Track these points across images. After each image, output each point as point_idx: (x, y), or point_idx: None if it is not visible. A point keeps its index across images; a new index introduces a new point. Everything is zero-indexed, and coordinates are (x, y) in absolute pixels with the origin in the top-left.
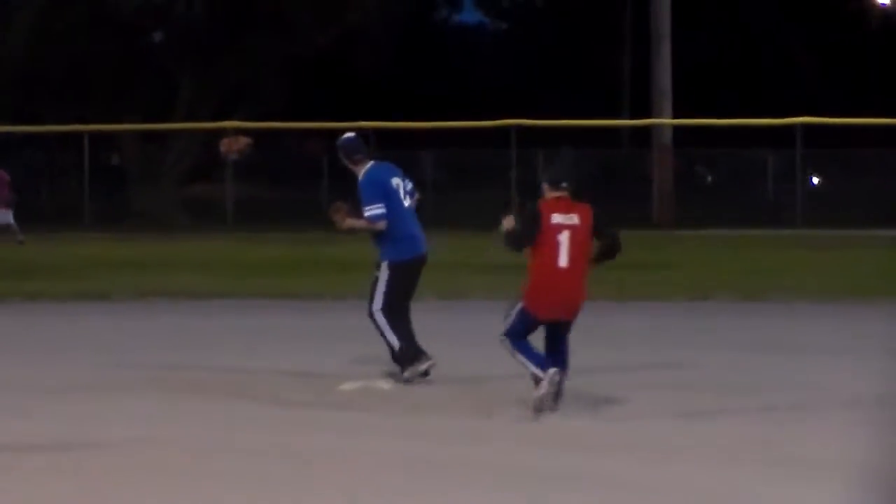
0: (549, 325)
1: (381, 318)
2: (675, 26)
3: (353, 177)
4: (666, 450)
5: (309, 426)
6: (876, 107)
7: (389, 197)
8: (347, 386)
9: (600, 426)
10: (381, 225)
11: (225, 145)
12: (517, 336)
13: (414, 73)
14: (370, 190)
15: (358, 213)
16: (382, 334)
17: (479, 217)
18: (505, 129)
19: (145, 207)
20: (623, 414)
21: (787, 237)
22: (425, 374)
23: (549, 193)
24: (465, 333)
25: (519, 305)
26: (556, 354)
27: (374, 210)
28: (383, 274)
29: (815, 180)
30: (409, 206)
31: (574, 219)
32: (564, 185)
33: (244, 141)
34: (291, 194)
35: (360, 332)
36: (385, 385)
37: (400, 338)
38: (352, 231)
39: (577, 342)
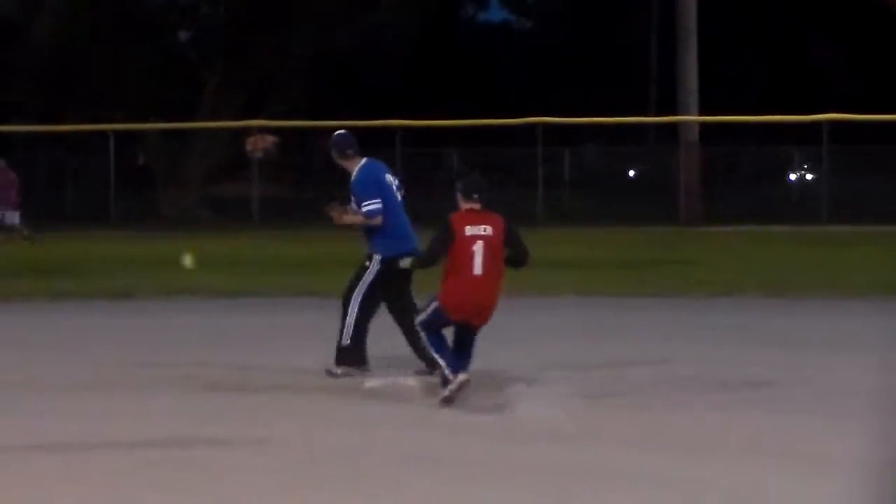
0: (460, 325)
1: (353, 307)
2: (701, 22)
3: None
4: (685, 444)
5: (332, 420)
6: None
7: (384, 192)
8: (372, 383)
9: (619, 421)
10: (378, 220)
11: (251, 143)
12: (431, 330)
13: (440, 72)
14: (366, 185)
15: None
16: (343, 320)
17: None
18: (531, 127)
19: (171, 206)
20: (642, 408)
21: (813, 233)
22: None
23: (463, 204)
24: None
25: (435, 303)
26: (462, 352)
27: (371, 205)
28: (374, 266)
29: (809, 176)
30: (401, 199)
31: (487, 230)
32: (476, 196)
33: (270, 139)
34: (317, 192)
35: (384, 331)
36: (412, 382)
37: (354, 337)
38: (349, 226)
39: (600, 337)
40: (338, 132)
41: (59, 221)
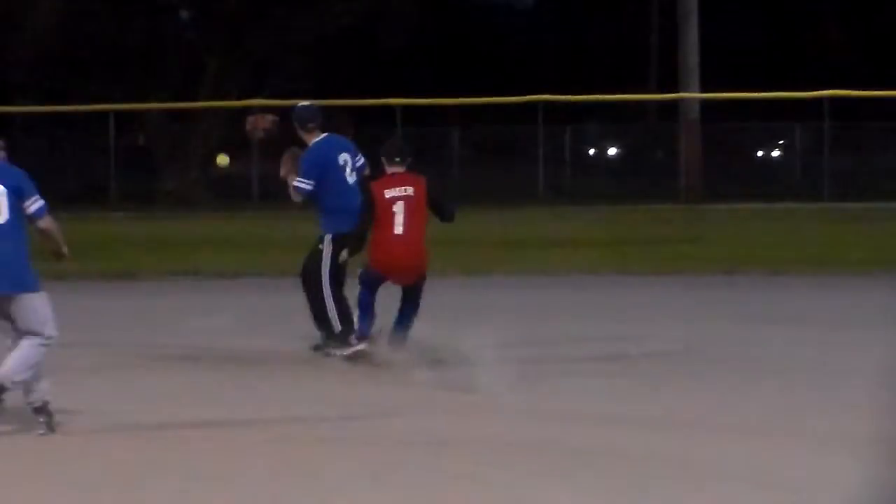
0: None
1: (326, 291)
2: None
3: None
4: (691, 422)
5: (336, 401)
6: None
7: (330, 173)
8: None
9: (622, 400)
10: (299, 199)
11: (251, 123)
12: (366, 286)
13: (440, 49)
14: (309, 164)
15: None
16: (322, 308)
17: (506, 193)
18: (532, 105)
19: (172, 186)
20: (645, 388)
21: (815, 210)
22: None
23: (388, 168)
24: (491, 309)
25: (367, 261)
26: (405, 310)
27: (303, 184)
28: (326, 247)
29: (776, 153)
30: (354, 182)
31: (408, 190)
32: (398, 159)
33: (270, 118)
34: None
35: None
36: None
37: (341, 319)
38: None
39: (605, 317)
40: (301, 104)
41: (59, 202)
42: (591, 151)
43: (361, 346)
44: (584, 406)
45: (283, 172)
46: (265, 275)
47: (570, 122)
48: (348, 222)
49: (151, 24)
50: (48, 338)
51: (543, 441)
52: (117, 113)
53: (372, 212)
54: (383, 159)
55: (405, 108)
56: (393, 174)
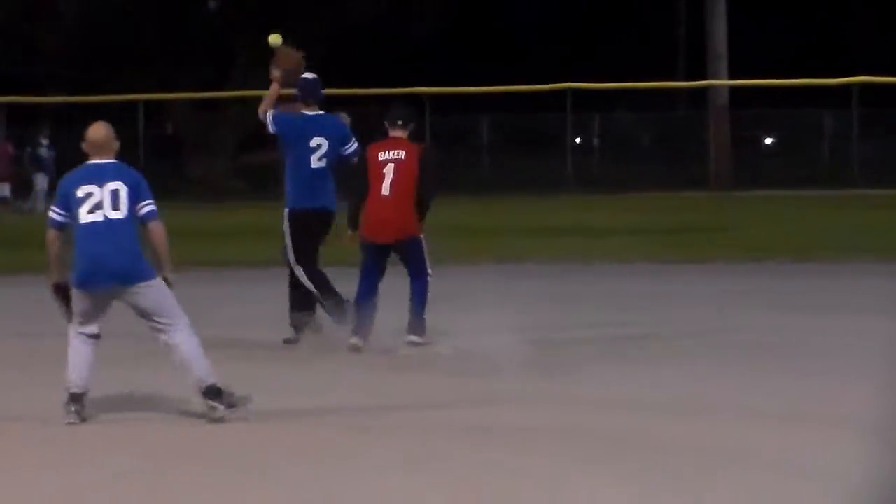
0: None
1: (299, 272)
2: None
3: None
4: (724, 410)
5: (360, 387)
6: None
7: (297, 148)
8: (405, 351)
9: (654, 388)
10: (261, 117)
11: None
12: (363, 274)
13: (468, 38)
14: (280, 121)
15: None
16: (304, 285)
17: (536, 181)
18: (561, 93)
19: (201, 176)
20: (679, 375)
21: (845, 197)
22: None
23: (390, 132)
24: (523, 296)
25: None
26: (413, 290)
27: (268, 121)
28: (284, 225)
29: (768, 140)
30: (319, 166)
31: (400, 154)
32: (400, 122)
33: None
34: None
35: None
36: (443, 350)
37: (323, 292)
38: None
39: (635, 305)
40: (307, 76)
41: None
42: (620, 139)
43: (352, 342)
44: (618, 393)
45: (271, 89)
46: None
47: (599, 109)
48: (302, 198)
49: (180, 15)
50: (181, 320)
51: (579, 428)
52: (146, 103)
53: (366, 175)
54: (386, 123)
55: (433, 96)
56: (390, 138)
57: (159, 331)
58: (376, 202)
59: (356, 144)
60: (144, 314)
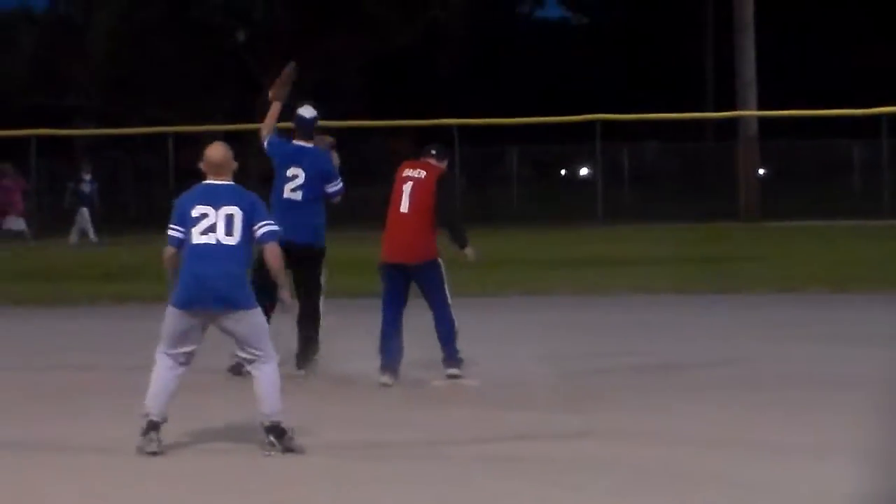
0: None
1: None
2: (758, 17)
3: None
4: (758, 443)
5: (390, 422)
6: None
7: (277, 175)
8: (437, 382)
9: (685, 420)
10: (265, 149)
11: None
12: (384, 308)
13: (497, 69)
14: (271, 153)
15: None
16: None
17: (565, 211)
18: (590, 124)
19: None
20: (711, 407)
21: (876, 227)
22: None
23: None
24: (550, 327)
25: None
26: (437, 326)
27: (266, 141)
28: None
29: (761, 171)
30: (291, 197)
31: (421, 173)
32: (433, 152)
33: (328, 140)
34: (375, 192)
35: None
36: (471, 382)
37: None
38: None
39: (665, 336)
40: (305, 112)
41: (118, 224)
42: (649, 170)
43: (384, 379)
44: (646, 425)
45: (277, 88)
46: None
47: (628, 140)
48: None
49: (207, 47)
50: (271, 355)
51: (606, 460)
52: (175, 135)
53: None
54: (421, 156)
55: (462, 128)
56: (420, 160)
57: (248, 360)
58: (394, 219)
59: (340, 185)
60: (239, 341)
